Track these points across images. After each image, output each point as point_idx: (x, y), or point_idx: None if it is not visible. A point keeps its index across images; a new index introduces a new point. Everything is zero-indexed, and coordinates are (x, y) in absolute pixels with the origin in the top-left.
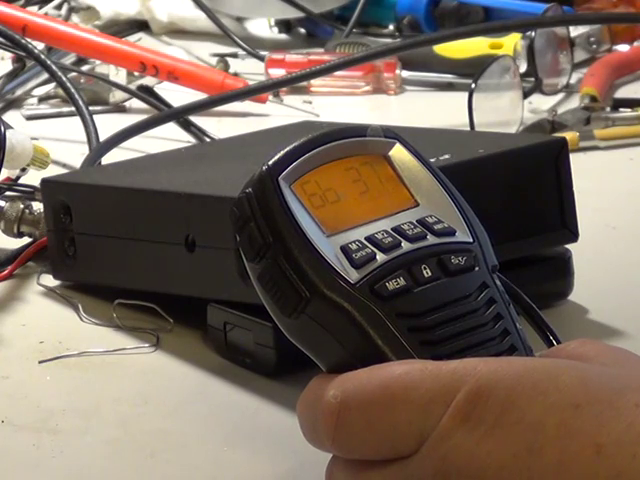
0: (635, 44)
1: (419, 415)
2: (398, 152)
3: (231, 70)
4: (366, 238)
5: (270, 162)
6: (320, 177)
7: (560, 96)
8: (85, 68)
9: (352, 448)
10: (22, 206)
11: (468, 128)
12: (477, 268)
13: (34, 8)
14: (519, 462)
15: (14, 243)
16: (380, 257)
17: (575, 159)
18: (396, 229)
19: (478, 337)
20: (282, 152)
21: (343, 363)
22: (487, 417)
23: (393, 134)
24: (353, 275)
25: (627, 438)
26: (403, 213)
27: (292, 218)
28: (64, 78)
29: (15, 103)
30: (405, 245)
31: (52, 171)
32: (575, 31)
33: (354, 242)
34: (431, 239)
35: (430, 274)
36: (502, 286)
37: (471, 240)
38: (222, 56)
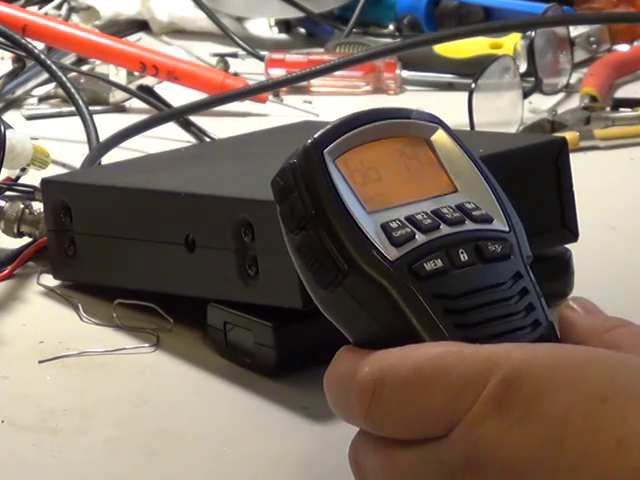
0: (635, 44)
1: (451, 400)
2: (440, 137)
3: (231, 70)
4: (406, 218)
5: (316, 135)
6: (363, 155)
7: (560, 96)
8: (85, 68)
9: (384, 426)
10: (22, 206)
11: (468, 128)
12: (512, 257)
13: (34, 8)
14: (544, 453)
15: (14, 243)
16: (419, 237)
17: (575, 159)
18: (436, 212)
19: (510, 324)
20: (328, 127)
21: (375, 338)
22: (517, 406)
23: (437, 119)
24: (392, 253)
25: None
26: (442, 197)
27: (335, 192)
28: (64, 78)
29: (15, 103)
30: (444, 228)
31: (52, 171)
32: (575, 31)
33: (394, 221)
34: (469, 225)
35: (467, 258)
36: (534, 278)
37: (507, 229)
38: (222, 56)
